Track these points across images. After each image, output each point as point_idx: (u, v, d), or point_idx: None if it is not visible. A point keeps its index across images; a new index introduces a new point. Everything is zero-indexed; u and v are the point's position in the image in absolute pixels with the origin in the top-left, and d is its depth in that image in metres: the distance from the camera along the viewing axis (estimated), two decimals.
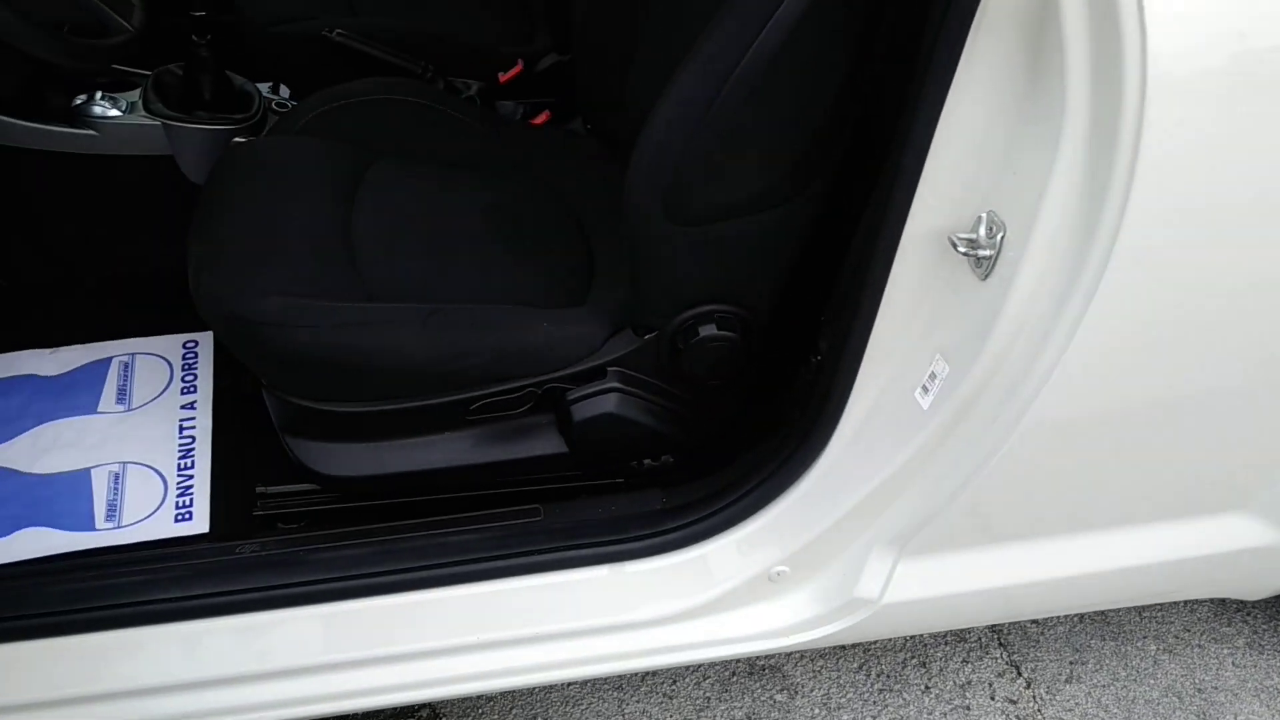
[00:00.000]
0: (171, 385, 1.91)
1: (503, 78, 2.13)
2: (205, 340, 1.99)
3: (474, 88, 2.09)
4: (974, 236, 1.23)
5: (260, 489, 1.67)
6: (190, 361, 1.95)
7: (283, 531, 1.64)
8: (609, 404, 1.54)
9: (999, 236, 1.21)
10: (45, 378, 1.90)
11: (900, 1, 1.26)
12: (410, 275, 1.59)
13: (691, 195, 1.36)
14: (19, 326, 1.97)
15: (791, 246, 1.45)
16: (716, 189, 1.36)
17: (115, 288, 2.05)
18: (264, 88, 2.08)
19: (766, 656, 1.87)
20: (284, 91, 2.20)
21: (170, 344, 1.97)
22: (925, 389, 1.35)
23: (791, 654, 1.88)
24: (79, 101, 1.86)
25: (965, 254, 1.23)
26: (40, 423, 1.83)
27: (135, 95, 1.88)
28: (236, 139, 1.87)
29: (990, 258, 1.23)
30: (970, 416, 1.33)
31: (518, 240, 1.70)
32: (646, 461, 1.66)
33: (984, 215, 1.23)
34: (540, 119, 2.08)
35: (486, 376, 1.51)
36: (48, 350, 1.95)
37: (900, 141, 1.21)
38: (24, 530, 1.68)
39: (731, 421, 1.63)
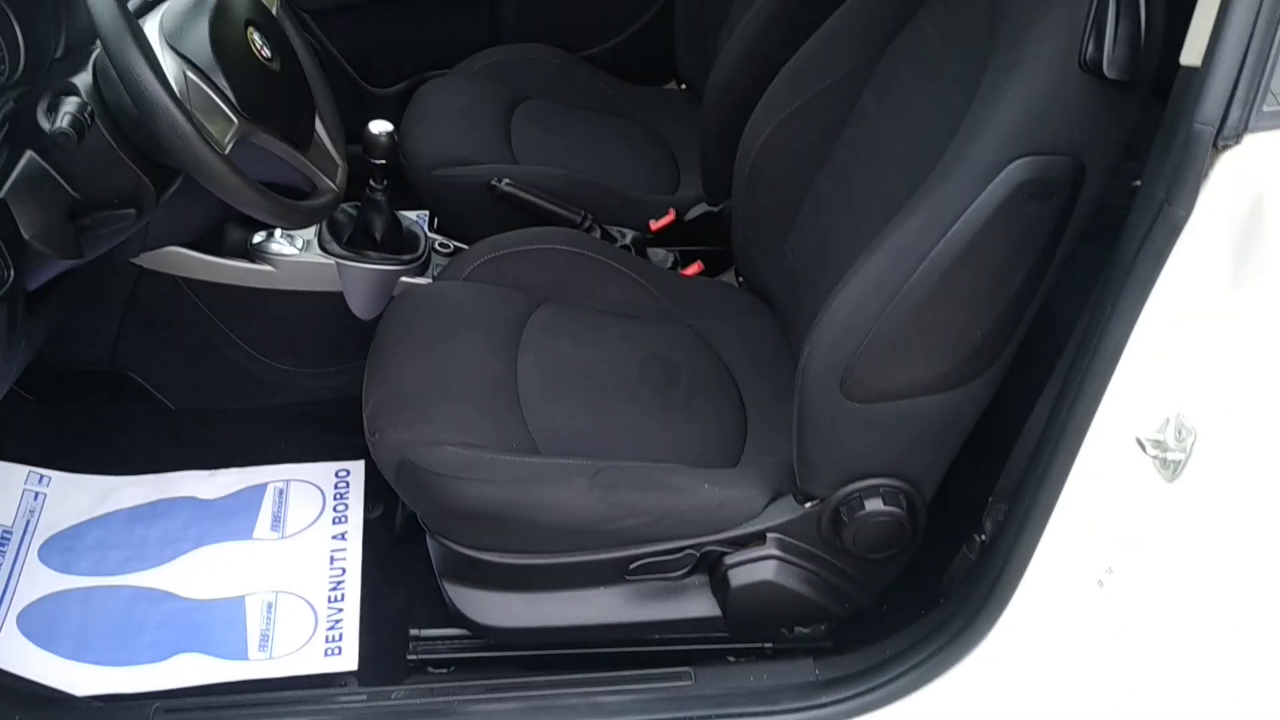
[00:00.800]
0: (323, 514, 1.95)
1: (654, 226, 2.18)
2: (356, 470, 2.04)
3: (628, 236, 2.14)
4: (1161, 438, 1.23)
5: (414, 632, 1.69)
6: (341, 491, 2.00)
7: (433, 677, 1.65)
8: (767, 571, 1.53)
9: (1189, 442, 1.20)
10: (204, 500, 1.96)
11: (1098, 204, 1.28)
12: (574, 429, 1.62)
13: (870, 374, 1.37)
14: (180, 448, 2.04)
15: (963, 426, 1.45)
16: (896, 370, 1.37)
17: (272, 414, 2.12)
18: (416, 216, 2.13)
19: None
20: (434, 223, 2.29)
21: (323, 472, 2.03)
22: (1101, 583, 1.33)
23: None
24: (258, 239, 1.94)
25: (1154, 456, 1.22)
26: (199, 545, 1.89)
27: (310, 234, 1.95)
28: (404, 279, 1.94)
29: (1179, 462, 1.21)
30: (1149, 614, 1.30)
31: (675, 394, 1.73)
32: (797, 629, 1.64)
33: (1172, 418, 1.22)
34: (692, 269, 2.12)
35: (648, 535, 1.52)
36: (206, 472, 2.01)
37: (1093, 343, 1.22)
38: (180, 655, 1.72)
39: (887, 594, 1.62)
